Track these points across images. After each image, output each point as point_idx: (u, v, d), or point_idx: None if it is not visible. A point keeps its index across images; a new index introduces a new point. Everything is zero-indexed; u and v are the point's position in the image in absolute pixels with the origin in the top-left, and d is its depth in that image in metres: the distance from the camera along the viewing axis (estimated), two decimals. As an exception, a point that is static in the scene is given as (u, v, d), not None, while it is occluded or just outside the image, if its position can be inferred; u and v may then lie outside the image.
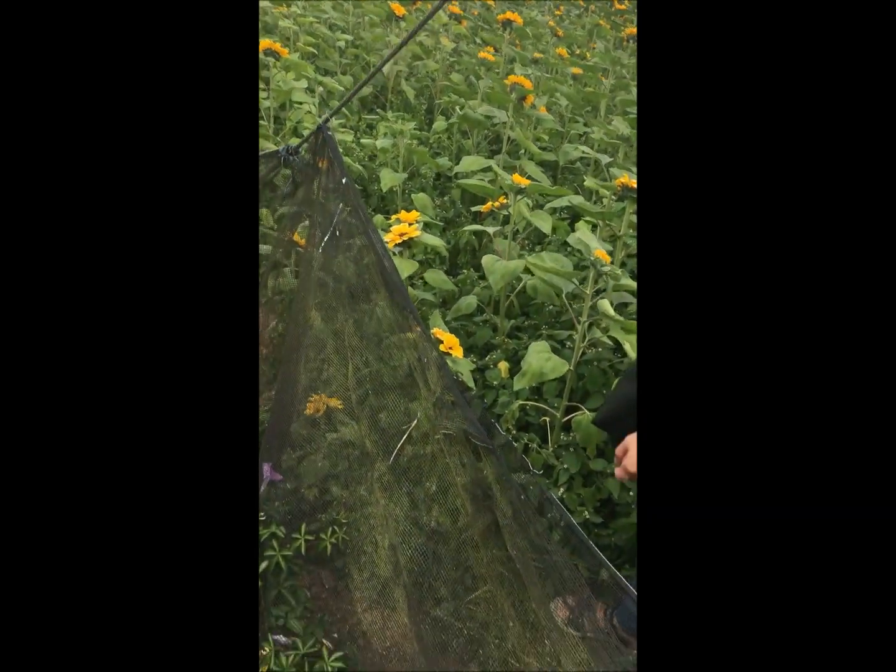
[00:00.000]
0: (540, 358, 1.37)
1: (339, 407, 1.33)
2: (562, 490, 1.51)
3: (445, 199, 2.62)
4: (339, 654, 0.96)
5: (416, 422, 1.00)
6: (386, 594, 1.01)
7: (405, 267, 1.65)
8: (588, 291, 1.38)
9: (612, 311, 1.30)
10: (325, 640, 0.99)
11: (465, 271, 2.20)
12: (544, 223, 1.58)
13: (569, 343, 1.81)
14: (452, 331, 1.75)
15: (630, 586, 0.90)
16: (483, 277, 2.27)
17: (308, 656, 0.96)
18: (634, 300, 1.75)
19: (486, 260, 1.57)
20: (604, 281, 1.42)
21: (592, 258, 1.30)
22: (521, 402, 1.62)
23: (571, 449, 1.52)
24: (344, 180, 1.04)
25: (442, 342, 1.51)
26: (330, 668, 0.94)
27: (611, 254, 1.84)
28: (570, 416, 1.58)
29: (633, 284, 1.41)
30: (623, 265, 2.02)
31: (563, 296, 1.50)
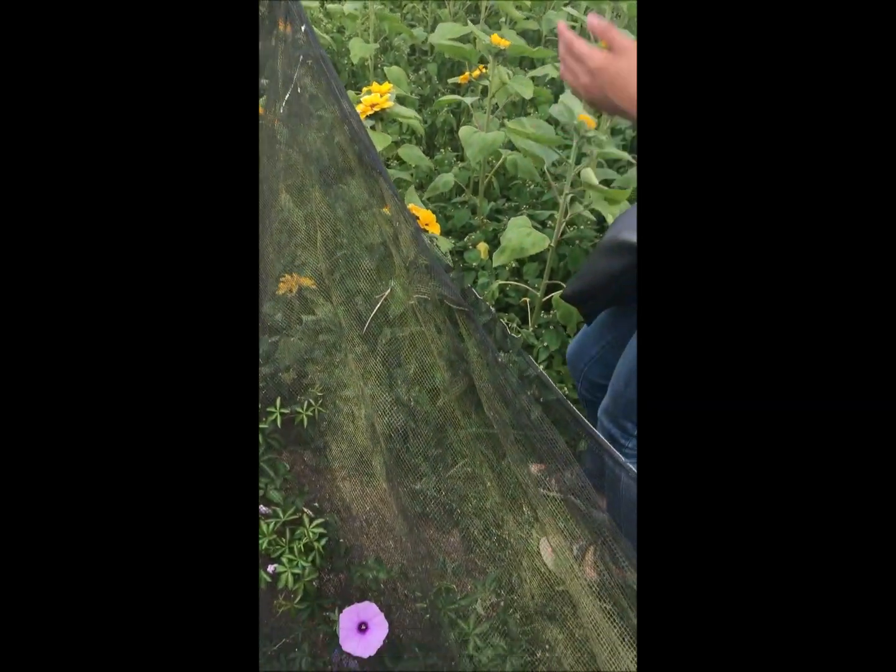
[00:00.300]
0: (520, 233, 1.32)
1: (313, 286, 1.29)
2: (541, 367, 1.51)
3: (421, 73, 2.45)
4: (319, 520, 0.97)
5: (389, 290, 0.96)
6: (364, 462, 1.01)
7: (378, 140, 1.55)
8: (571, 161, 1.30)
9: (595, 181, 1.23)
10: (305, 509, 1.00)
11: (442, 151, 2.09)
12: (525, 88, 1.47)
13: (550, 222, 1.75)
14: (429, 213, 1.68)
15: (614, 450, 0.90)
16: (461, 158, 2.17)
17: (289, 524, 0.97)
18: (618, 176, 1.67)
19: (464, 131, 1.47)
20: (587, 151, 1.34)
21: (576, 122, 1.21)
22: (500, 282, 1.58)
23: (551, 327, 1.50)
24: (303, 27, 0.93)
25: (418, 218, 1.44)
26: (311, 534, 0.95)
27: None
28: (550, 296, 1.55)
29: (619, 153, 1.33)
30: (608, 141, 1.92)
31: (546, 169, 1.42)
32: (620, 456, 0.86)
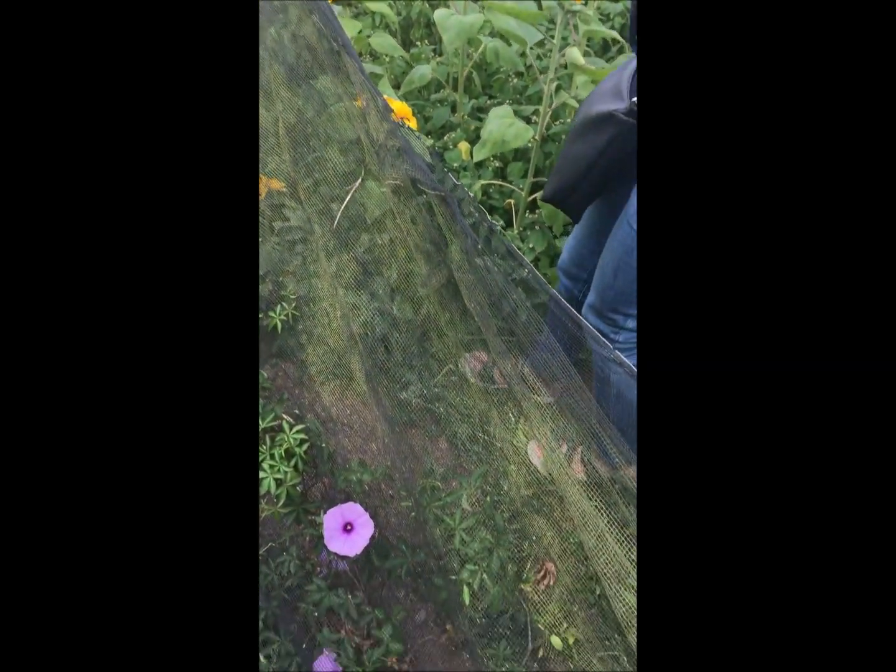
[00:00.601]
0: (502, 124, 1.23)
1: (283, 189, 1.21)
2: (526, 272, 1.46)
3: (393, -41, 2.25)
4: (300, 426, 0.94)
5: (359, 181, 0.89)
6: (343, 367, 0.97)
7: (347, 27, 1.42)
8: (555, 42, 1.20)
9: (582, 60, 1.14)
10: (284, 416, 0.97)
11: (418, 45, 1.95)
12: (505, -40, 1.33)
13: (534, 118, 1.65)
14: (407, 111, 1.58)
15: (607, 343, 0.87)
16: (439, 53, 2.02)
17: (268, 431, 0.94)
18: (607, 65, 1.56)
19: (440, 14, 1.35)
20: (572, 42, 1.23)
21: (560, -5, 1.10)
22: (483, 182, 1.50)
23: (537, 227, 1.44)
24: None
25: (392, 111, 1.35)
26: (292, 440, 0.93)
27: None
28: (535, 195, 1.48)
29: (607, 31, 1.23)
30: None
31: (529, 57, 1.31)
32: (610, 351, 0.82)
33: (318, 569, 0.98)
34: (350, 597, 0.92)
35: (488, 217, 0.94)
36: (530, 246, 1.43)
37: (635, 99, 0.82)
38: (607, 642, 0.80)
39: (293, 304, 1.00)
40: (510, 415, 0.98)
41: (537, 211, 1.46)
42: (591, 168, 0.93)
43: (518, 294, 0.93)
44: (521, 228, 1.50)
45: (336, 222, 0.88)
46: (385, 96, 1.35)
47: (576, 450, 0.86)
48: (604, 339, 0.99)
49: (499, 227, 1.49)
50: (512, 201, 1.56)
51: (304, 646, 0.94)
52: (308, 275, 1.17)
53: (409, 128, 1.27)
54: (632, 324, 1.02)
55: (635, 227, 0.93)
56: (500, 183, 1.52)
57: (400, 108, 1.31)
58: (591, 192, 1.00)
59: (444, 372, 1.05)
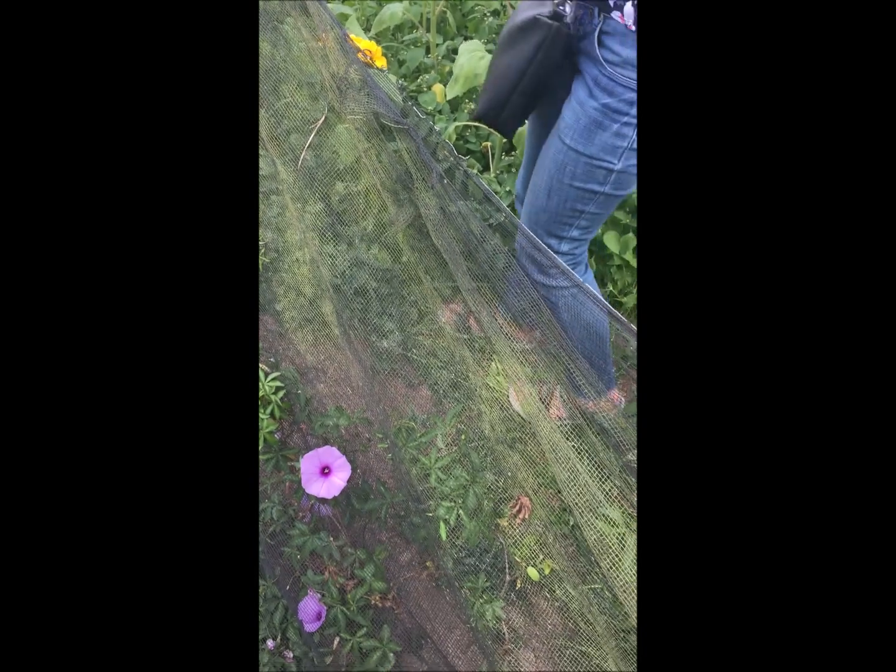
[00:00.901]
0: (472, 58, 1.19)
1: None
2: (503, 216, 1.44)
3: None
4: (275, 374, 0.93)
5: (323, 117, 0.86)
6: (320, 314, 0.97)
7: (310, -37, 1.36)
8: (527, -29, 1.15)
9: (554, -10, 1.09)
10: (261, 365, 0.96)
11: (389, -17, 1.87)
12: None
13: (510, 57, 1.60)
14: (378, 53, 1.52)
15: (571, 272, 0.85)
16: (412, -8, 1.95)
17: (243, 379, 0.94)
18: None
19: (407, -54, 1.29)
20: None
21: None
22: (458, 123, 1.46)
23: (514, 170, 1.41)
24: None
25: (360, 51, 1.30)
26: (268, 388, 0.92)
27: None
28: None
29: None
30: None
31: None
32: (572, 282, 0.80)
33: (301, 514, 0.99)
34: (333, 539, 0.94)
35: (463, 161, 0.92)
36: (507, 189, 1.41)
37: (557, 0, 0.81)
38: (588, 577, 0.81)
39: (262, 251, 0.98)
40: (484, 356, 0.97)
41: (514, 153, 1.43)
42: (520, 78, 0.91)
43: (495, 239, 0.91)
44: (497, 171, 1.48)
45: (301, 161, 0.85)
46: (353, 37, 1.30)
47: (553, 390, 0.86)
48: (539, 267, 0.95)
49: (475, 172, 1.47)
50: (488, 144, 1.52)
51: (288, 588, 0.96)
52: (280, 222, 1.15)
53: (377, 68, 1.23)
54: (566, 247, 1.01)
55: (566, 140, 0.91)
56: (475, 125, 1.49)
57: (368, 46, 1.27)
58: (523, 105, 0.97)
59: (423, 320, 1.04)
